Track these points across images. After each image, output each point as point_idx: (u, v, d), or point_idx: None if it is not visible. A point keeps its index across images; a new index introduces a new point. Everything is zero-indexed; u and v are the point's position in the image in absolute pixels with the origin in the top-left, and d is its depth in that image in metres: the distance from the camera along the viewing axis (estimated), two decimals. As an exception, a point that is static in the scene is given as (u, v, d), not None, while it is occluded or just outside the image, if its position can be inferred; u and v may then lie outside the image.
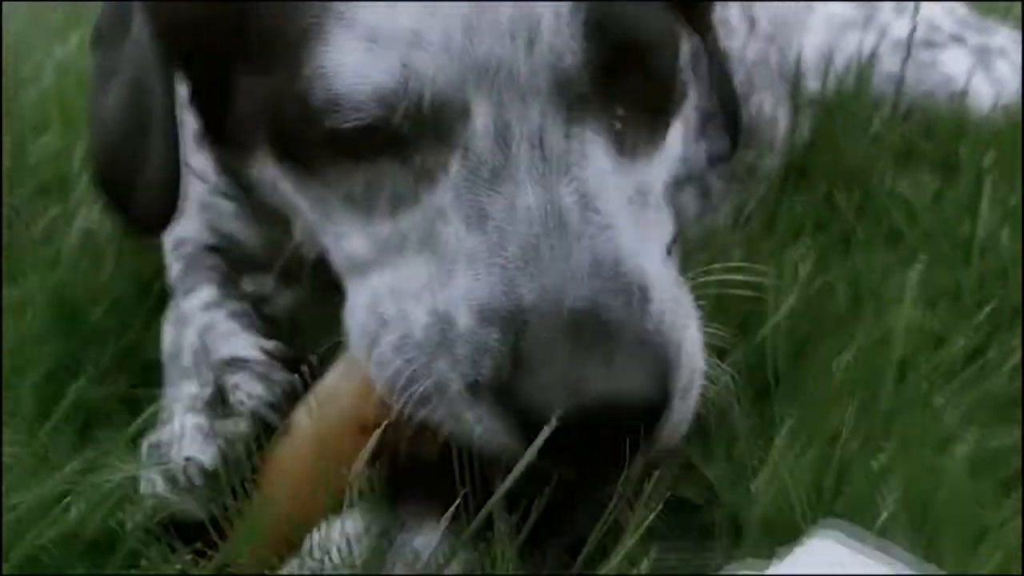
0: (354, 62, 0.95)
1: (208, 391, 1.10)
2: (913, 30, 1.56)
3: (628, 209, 0.97)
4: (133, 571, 0.91)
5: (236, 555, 0.92)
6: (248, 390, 1.09)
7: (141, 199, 1.14)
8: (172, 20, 1.09)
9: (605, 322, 0.88)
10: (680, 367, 0.90)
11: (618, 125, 1.00)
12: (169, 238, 1.39)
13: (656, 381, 0.88)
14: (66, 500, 0.94)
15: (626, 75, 0.99)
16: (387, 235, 0.99)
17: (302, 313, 1.26)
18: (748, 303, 1.09)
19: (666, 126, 1.06)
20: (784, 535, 0.90)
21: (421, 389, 0.93)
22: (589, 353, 0.87)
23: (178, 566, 0.91)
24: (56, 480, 0.91)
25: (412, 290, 0.97)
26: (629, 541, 0.88)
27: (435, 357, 0.93)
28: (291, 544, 0.95)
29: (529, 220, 0.93)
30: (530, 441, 0.87)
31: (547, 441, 0.86)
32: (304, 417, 1.01)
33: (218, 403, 1.08)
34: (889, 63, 1.68)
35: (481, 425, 0.90)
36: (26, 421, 0.97)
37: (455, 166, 0.96)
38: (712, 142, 1.51)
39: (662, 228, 1.04)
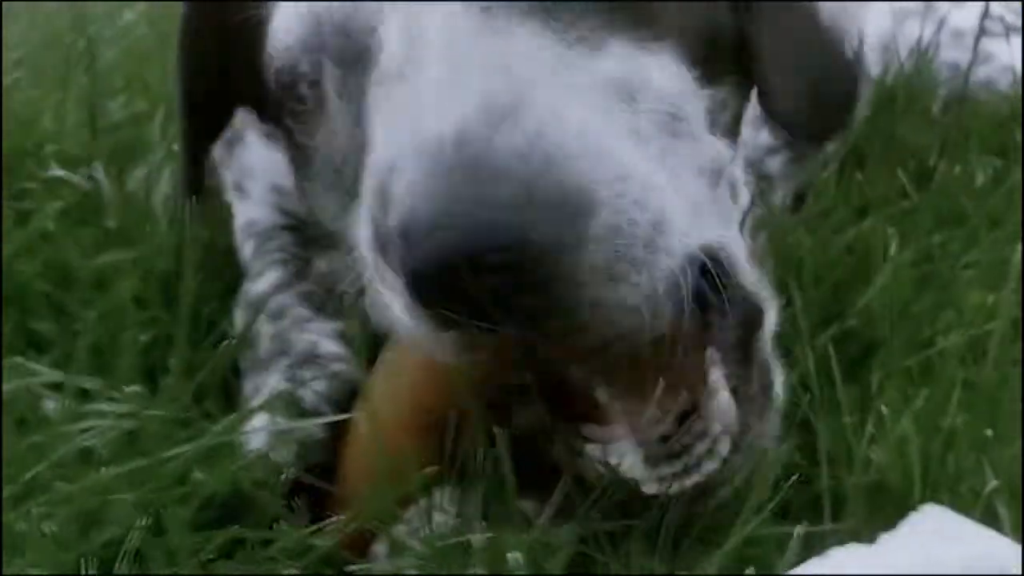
0: (282, 22, 1.00)
1: (283, 387, 1.12)
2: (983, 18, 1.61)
3: (580, 95, 0.88)
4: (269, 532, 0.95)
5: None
6: (318, 388, 1.12)
7: None
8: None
9: (484, 155, 0.78)
10: (589, 209, 0.79)
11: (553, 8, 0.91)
12: (239, 219, 1.42)
13: (521, 206, 0.77)
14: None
15: None
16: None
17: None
18: (844, 271, 1.13)
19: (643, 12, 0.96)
20: (889, 506, 0.95)
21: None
22: (456, 186, 0.78)
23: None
24: (214, 433, 0.93)
25: None
26: (753, 521, 0.89)
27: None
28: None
29: (440, 110, 0.83)
30: (425, 300, 0.80)
31: (444, 295, 0.79)
32: (368, 408, 1.02)
33: (292, 401, 1.10)
34: (947, 52, 1.73)
35: (386, 300, 0.86)
36: (175, 382, 1.00)
37: (373, 77, 0.93)
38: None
39: (666, 137, 0.93)
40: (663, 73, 0.96)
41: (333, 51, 0.98)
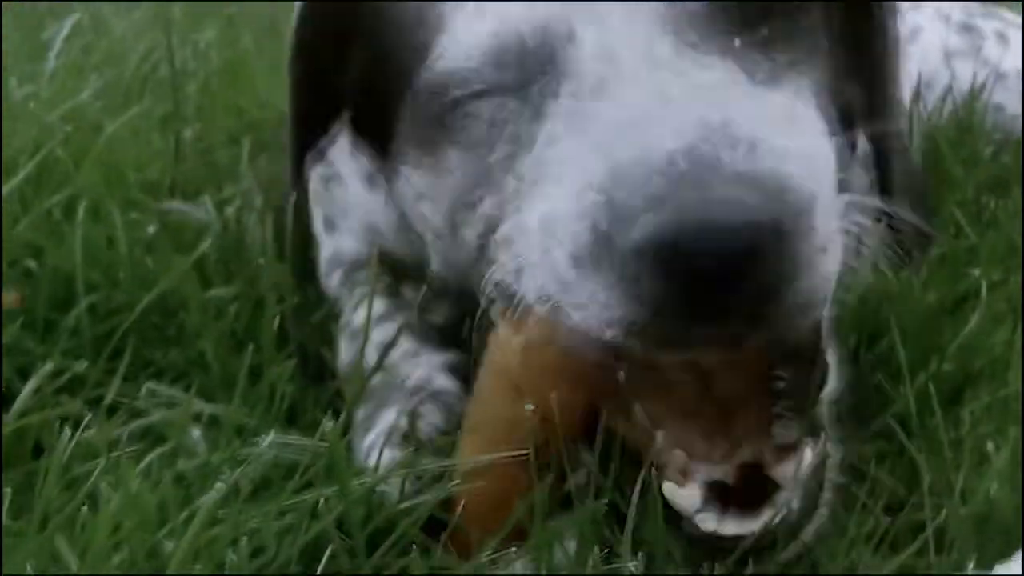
0: (466, 34, 1.04)
1: (404, 422, 1.14)
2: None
3: (771, 123, 0.95)
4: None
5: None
6: (433, 420, 1.15)
7: None
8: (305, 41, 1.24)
9: (702, 162, 0.88)
10: (796, 210, 0.88)
11: (743, 49, 1.01)
12: (326, 251, 1.46)
13: (757, 210, 0.86)
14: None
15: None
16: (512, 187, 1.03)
17: (460, 322, 1.29)
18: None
19: (805, 55, 1.07)
20: (996, 539, 1.00)
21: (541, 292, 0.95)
22: (684, 190, 0.86)
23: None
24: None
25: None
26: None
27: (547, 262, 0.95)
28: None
29: (637, 115, 0.93)
30: (636, 296, 0.88)
31: (652, 292, 0.87)
32: (471, 439, 1.05)
33: (412, 435, 1.13)
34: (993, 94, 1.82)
35: (592, 296, 0.91)
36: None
37: (563, 89, 1.00)
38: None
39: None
40: (811, 113, 1.07)
41: (517, 64, 1.03)
